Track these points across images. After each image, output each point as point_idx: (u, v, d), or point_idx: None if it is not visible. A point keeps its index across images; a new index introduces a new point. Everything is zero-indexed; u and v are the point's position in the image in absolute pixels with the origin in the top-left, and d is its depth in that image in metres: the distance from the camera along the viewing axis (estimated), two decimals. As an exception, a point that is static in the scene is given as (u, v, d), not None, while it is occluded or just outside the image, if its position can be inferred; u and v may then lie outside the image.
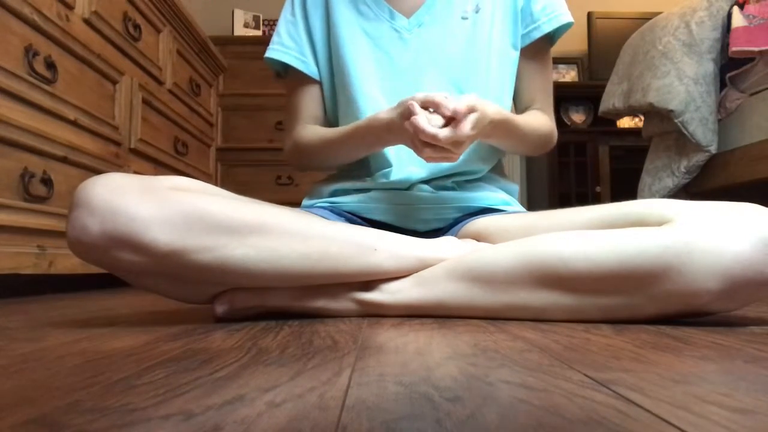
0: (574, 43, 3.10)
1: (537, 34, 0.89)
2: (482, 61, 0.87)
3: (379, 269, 0.69)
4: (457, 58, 0.87)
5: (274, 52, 0.93)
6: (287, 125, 0.96)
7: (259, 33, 2.80)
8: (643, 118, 1.94)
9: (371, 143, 0.81)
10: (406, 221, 0.86)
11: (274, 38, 0.95)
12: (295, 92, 0.94)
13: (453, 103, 0.69)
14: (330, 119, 0.96)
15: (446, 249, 0.72)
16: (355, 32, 0.88)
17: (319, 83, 0.94)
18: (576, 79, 2.99)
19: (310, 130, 0.90)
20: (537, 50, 0.92)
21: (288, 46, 0.93)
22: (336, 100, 0.92)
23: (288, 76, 0.95)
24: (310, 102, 0.94)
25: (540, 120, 0.89)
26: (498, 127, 0.77)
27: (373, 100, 0.86)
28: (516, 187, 0.96)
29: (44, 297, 1.20)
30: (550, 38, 0.92)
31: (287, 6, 0.96)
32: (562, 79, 3.00)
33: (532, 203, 2.85)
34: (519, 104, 0.96)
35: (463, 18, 0.88)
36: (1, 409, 0.28)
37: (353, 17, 0.89)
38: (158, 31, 1.80)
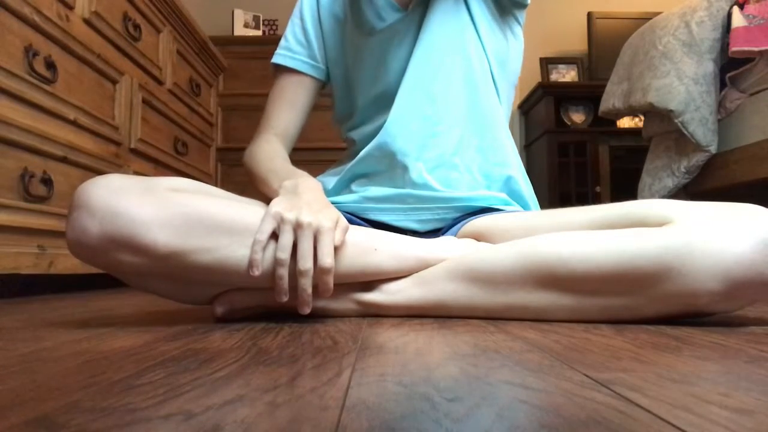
0: (574, 43, 3.10)
1: None
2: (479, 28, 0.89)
3: (379, 269, 0.69)
4: (461, 26, 0.87)
5: (281, 57, 0.94)
6: (261, 123, 0.95)
7: (259, 33, 2.79)
8: (643, 118, 1.94)
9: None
10: (405, 221, 0.86)
11: (282, 43, 0.96)
12: (284, 95, 0.94)
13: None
14: (339, 112, 0.98)
15: (446, 249, 0.72)
16: (382, 29, 0.87)
17: (321, 85, 0.95)
18: (576, 79, 2.99)
19: (264, 154, 0.87)
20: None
21: (296, 51, 0.94)
22: (352, 96, 0.93)
23: (284, 77, 0.95)
24: (293, 111, 0.93)
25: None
26: None
27: (400, 90, 0.86)
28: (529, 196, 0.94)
29: (44, 297, 1.20)
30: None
31: (296, 8, 0.97)
32: (562, 79, 3.00)
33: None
34: None
35: None
36: (1, 409, 0.28)
37: (374, 15, 0.86)
38: (158, 31, 1.80)
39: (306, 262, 0.59)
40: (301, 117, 0.95)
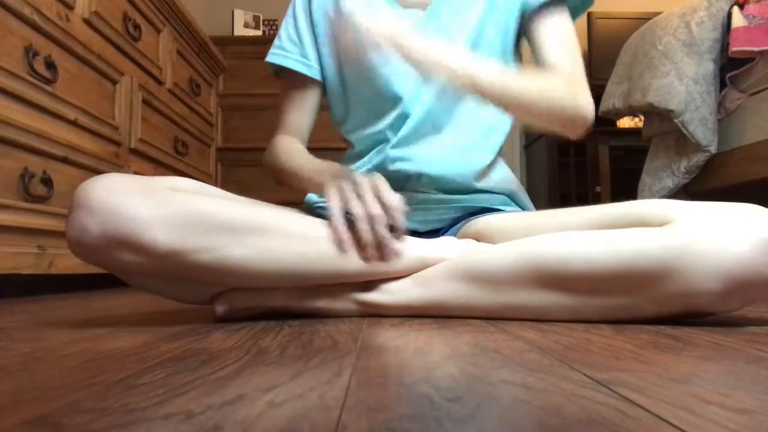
0: (574, 43, 3.10)
1: (536, 2, 0.86)
2: (487, 42, 0.87)
3: (379, 269, 0.69)
4: (469, 43, 0.85)
5: (273, 56, 0.93)
6: (276, 128, 0.95)
7: (259, 33, 2.80)
8: (643, 118, 1.94)
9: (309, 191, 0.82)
10: (405, 221, 0.86)
11: (275, 42, 0.95)
12: (289, 96, 0.93)
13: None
14: (337, 116, 0.96)
15: (446, 249, 0.72)
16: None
17: (320, 84, 0.93)
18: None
19: (281, 149, 0.88)
20: (547, 14, 0.87)
21: (288, 50, 0.92)
22: (346, 98, 0.92)
23: (283, 80, 0.94)
24: (301, 110, 0.93)
25: (550, 83, 0.79)
26: (465, 84, 0.73)
27: (396, 99, 0.85)
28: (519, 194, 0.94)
29: (44, 297, 1.20)
30: (565, 4, 0.88)
31: (290, 7, 0.95)
32: (562, 79, 2.99)
33: (532, 203, 2.85)
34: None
35: None
36: (1, 409, 0.28)
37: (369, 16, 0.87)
38: (158, 31, 1.80)
39: (376, 209, 0.61)
40: (309, 115, 0.94)
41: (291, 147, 0.88)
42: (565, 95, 0.79)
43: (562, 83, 0.80)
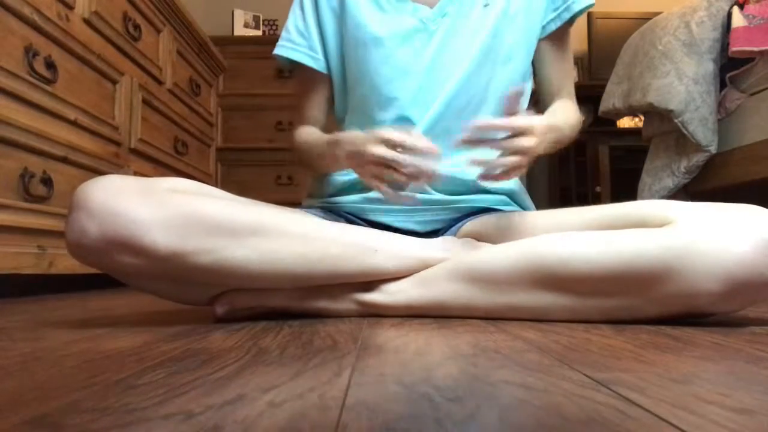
0: (574, 43, 3.10)
1: (567, 15, 0.87)
2: (507, 50, 0.85)
3: (379, 270, 0.69)
4: (482, 48, 0.84)
5: (282, 49, 0.92)
6: (294, 123, 0.97)
7: (259, 33, 2.80)
8: (643, 118, 1.94)
9: (329, 165, 0.85)
10: (405, 222, 0.86)
11: (283, 34, 0.94)
12: (302, 90, 0.94)
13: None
14: (338, 113, 0.95)
15: (446, 249, 0.72)
16: (377, 29, 0.85)
17: (329, 77, 0.93)
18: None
19: (303, 134, 0.92)
20: (561, 33, 0.90)
21: (297, 43, 0.91)
22: (346, 95, 0.91)
23: (296, 73, 0.94)
24: (314, 105, 0.94)
25: (570, 113, 0.88)
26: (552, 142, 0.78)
27: (394, 100, 0.84)
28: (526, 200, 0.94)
29: (44, 297, 1.20)
30: (571, 20, 0.89)
31: (296, 0, 0.95)
32: (562, 79, 2.99)
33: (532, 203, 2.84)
34: (545, 91, 0.93)
35: (485, 5, 0.85)
36: (1, 409, 0.28)
37: (373, 13, 0.86)
38: (158, 31, 1.80)
39: (418, 160, 0.68)
40: (324, 106, 0.95)
41: (309, 131, 0.92)
42: (577, 120, 0.89)
43: (575, 108, 0.90)
